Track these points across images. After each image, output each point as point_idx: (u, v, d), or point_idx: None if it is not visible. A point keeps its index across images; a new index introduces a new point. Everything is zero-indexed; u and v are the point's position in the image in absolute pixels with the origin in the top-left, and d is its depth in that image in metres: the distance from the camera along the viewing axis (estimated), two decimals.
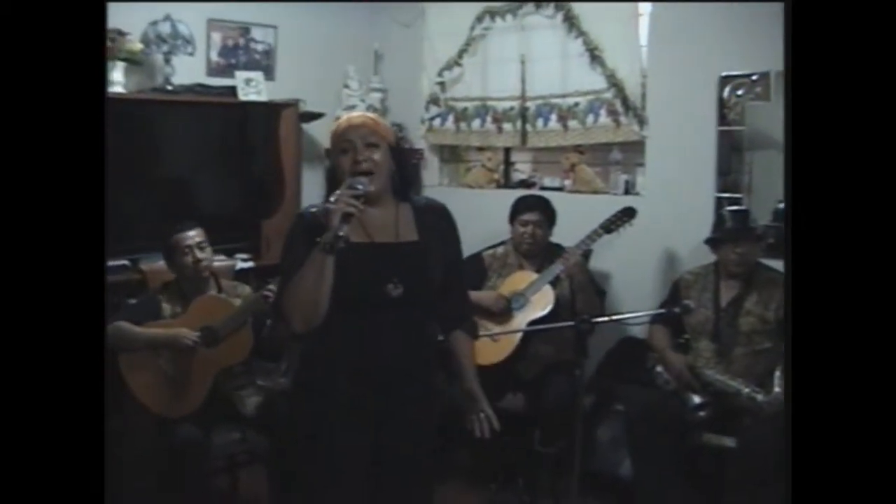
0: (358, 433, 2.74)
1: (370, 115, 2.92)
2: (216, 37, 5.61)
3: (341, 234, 2.49)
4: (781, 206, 4.69)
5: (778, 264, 4.31)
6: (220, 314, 4.00)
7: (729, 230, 4.24)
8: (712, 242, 4.29)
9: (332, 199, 2.58)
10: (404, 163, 2.90)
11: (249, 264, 5.00)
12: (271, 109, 5.55)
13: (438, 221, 2.87)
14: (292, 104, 5.56)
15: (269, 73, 5.74)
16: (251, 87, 5.49)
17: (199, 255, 4.09)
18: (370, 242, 2.69)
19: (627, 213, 4.52)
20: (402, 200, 2.84)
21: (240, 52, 5.70)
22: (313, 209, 2.77)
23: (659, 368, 4.30)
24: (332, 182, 2.77)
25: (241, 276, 4.69)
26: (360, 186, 2.59)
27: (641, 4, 5.12)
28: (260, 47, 5.79)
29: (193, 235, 4.11)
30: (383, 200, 2.77)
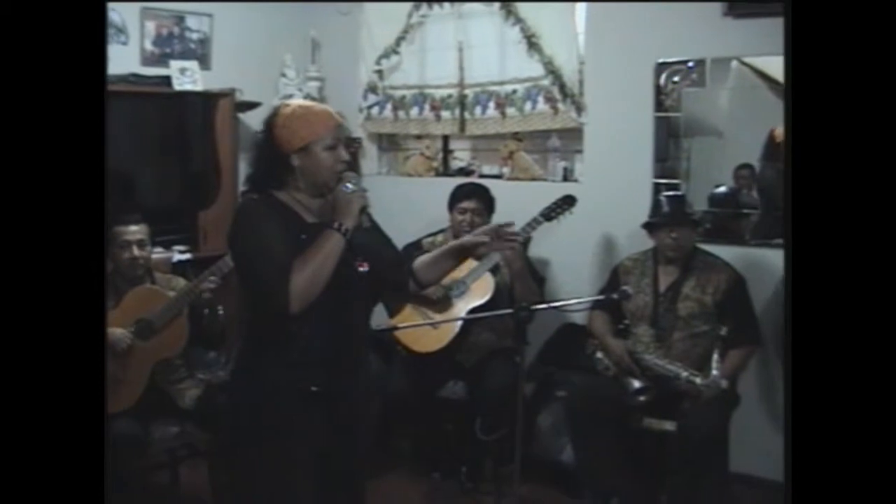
0: (316, 420, 2.73)
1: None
2: (150, 25, 5.50)
3: (366, 225, 2.75)
4: (717, 190, 4.75)
5: (715, 249, 4.37)
6: (154, 306, 3.95)
7: (665, 214, 4.28)
8: (649, 227, 4.33)
9: (351, 187, 2.69)
10: None
11: (187, 256, 4.93)
12: (207, 99, 5.47)
13: None
14: (228, 94, 5.49)
15: (204, 63, 5.65)
16: (186, 77, 5.41)
17: (137, 252, 3.99)
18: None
19: (568, 201, 4.53)
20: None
21: (174, 41, 5.61)
22: (255, 196, 2.76)
23: (599, 354, 4.33)
24: (283, 170, 2.75)
25: (178, 268, 4.62)
26: (354, 182, 2.72)
27: None
28: (195, 36, 5.71)
29: (135, 231, 4.01)
30: None
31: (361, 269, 2.77)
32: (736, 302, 4.17)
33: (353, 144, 6.00)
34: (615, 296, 3.99)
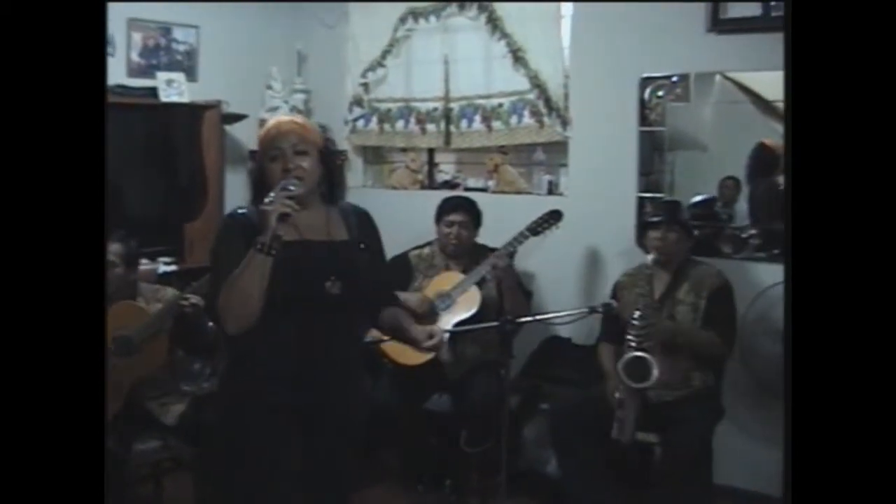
0: (291, 435, 2.73)
1: (299, 120, 2.91)
2: (137, 37, 5.51)
3: (280, 233, 2.54)
4: (697, 199, 4.79)
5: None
6: (133, 322, 3.88)
7: (657, 215, 4.33)
8: (644, 227, 4.35)
9: (266, 200, 2.59)
10: (332, 167, 2.92)
11: (172, 268, 4.92)
12: (193, 111, 5.48)
13: (364, 224, 2.91)
14: (215, 105, 5.50)
15: (190, 74, 5.66)
16: (173, 89, 5.41)
17: (108, 272, 3.80)
18: (304, 240, 2.70)
19: (554, 216, 4.53)
20: (330, 203, 2.86)
21: (161, 52, 5.61)
22: (242, 210, 2.77)
23: (617, 394, 4.20)
24: (258, 186, 2.77)
25: (163, 279, 4.61)
26: (292, 188, 2.61)
27: (563, 6, 5.17)
28: (182, 48, 5.71)
29: (112, 250, 3.90)
30: (312, 203, 2.78)
31: (334, 289, 2.71)
32: (720, 304, 4.18)
33: (338, 157, 6.01)
34: (599, 309, 4.00)
